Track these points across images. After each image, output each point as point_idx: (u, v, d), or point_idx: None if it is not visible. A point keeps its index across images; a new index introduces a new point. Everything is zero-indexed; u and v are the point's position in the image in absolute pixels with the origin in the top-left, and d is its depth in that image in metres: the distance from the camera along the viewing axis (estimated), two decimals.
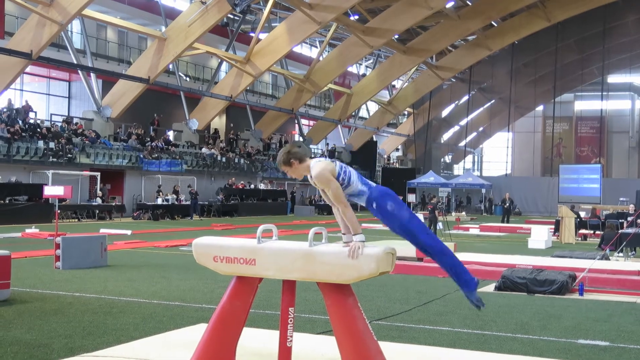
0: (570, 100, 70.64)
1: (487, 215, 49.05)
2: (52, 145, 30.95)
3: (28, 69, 33.09)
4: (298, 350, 5.69)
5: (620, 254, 16.62)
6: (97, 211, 31.36)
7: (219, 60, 43.30)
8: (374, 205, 5.23)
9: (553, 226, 25.47)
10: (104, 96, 36.44)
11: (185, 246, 17.86)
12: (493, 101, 68.05)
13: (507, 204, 37.50)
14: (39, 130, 31.67)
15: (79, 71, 35.41)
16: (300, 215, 40.47)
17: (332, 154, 56.39)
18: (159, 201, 34.02)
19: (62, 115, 36.69)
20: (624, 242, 15.73)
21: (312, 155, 5.42)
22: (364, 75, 58.69)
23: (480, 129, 72.82)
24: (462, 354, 6.56)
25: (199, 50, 39.13)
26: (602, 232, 21.54)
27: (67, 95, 39.62)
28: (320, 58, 47.69)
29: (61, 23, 29.79)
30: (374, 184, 5.32)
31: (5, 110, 31.72)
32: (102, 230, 21.18)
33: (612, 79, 67.67)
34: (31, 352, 6.39)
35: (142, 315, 8.43)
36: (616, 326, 8.53)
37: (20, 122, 31.48)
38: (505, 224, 33.16)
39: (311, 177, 5.29)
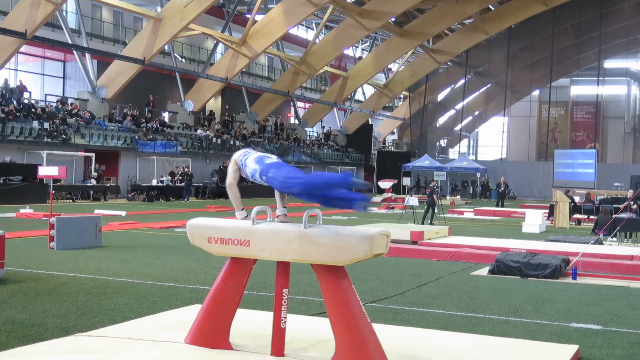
0: (566, 85, 70.62)
1: (481, 199, 49.09)
2: (46, 125, 30.84)
3: (22, 49, 32.93)
4: (292, 332, 5.70)
5: (614, 239, 16.67)
6: (92, 192, 31.31)
7: (215, 41, 43.10)
8: (264, 178, 5.62)
9: (547, 210, 25.53)
10: (99, 77, 36.27)
11: (179, 227, 17.86)
12: (489, 85, 68.00)
13: (502, 188, 37.53)
14: (33, 110, 31.54)
15: (74, 51, 35.21)
16: (295, 198, 40.40)
17: (327, 136, 56.40)
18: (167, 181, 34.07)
19: (56, 96, 36.53)
20: (618, 227, 15.78)
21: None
22: (360, 58, 58.52)
23: (476, 113, 72.79)
24: (455, 336, 6.58)
25: (195, 32, 38.93)
26: (596, 217, 21.59)
27: (62, 76, 39.44)
28: (317, 40, 47.51)
29: (56, 2, 29.60)
30: (269, 162, 5.66)
31: None
32: (97, 211, 21.16)
33: (609, 64, 67.61)
34: (25, 332, 6.40)
35: (136, 296, 8.44)
36: (609, 310, 8.57)
37: (14, 102, 31.35)
38: (499, 208, 33.22)
39: None
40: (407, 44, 49.89)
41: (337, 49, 46.86)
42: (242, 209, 5.72)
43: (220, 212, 25.27)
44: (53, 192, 21.17)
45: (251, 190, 39.56)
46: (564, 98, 70.34)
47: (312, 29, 53.98)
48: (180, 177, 35.61)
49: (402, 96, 65.09)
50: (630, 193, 24.07)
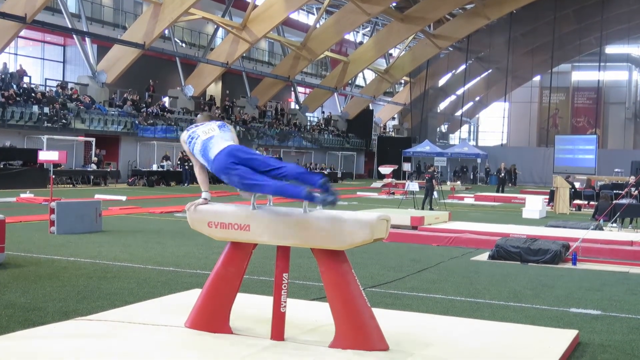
0: (567, 71, 70.43)
1: (483, 184, 49.10)
2: (46, 110, 30.80)
3: (22, 33, 32.81)
4: (292, 316, 5.71)
5: (614, 225, 16.67)
6: (92, 177, 31.32)
7: (215, 26, 42.96)
8: (222, 176, 5.55)
9: (548, 196, 25.53)
10: (99, 61, 36.18)
11: (180, 212, 17.87)
12: (490, 71, 67.81)
13: (503, 174, 37.51)
14: (33, 95, 31.49)
15: (74, 36, 35.11)
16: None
17: (327, 121, 56.35)
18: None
19: (56, 80, 36.46)
20: (618, 213, 15.78)
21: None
22: (360, 43, 58.33)
23: (477, 98, 72.64)
24: (455, 321, 6.59)
25: (195, 16, 38.79)
26: (596, 203, 21.59)
27: (62, 60, 39.32)
28: (317, 25, 47.35)
29: None
30: (213, 156, 5.53)
31: None
32: (97, 196, 21.17)
33: (610, 49, 67.38)
34: (26, 316, 6.42)
35: (136, 280, 8.46)
36: (608, 295, 8.59)
37: (14, 86, 31.29)
38: (500, 194, 33.24)
39: None
40: (408, 29, 49.71)
41: (337, 34, 46.69)
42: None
43: (221, 197, 25.25)
44: (53, 176, 21.17)
45: None
46: (565, 84, 70.16)
47: (313, 14, 53.76)
48: (179, 162, 35.59)
49: (402, 81, 64.97)
50: (632, 180, 24.07)
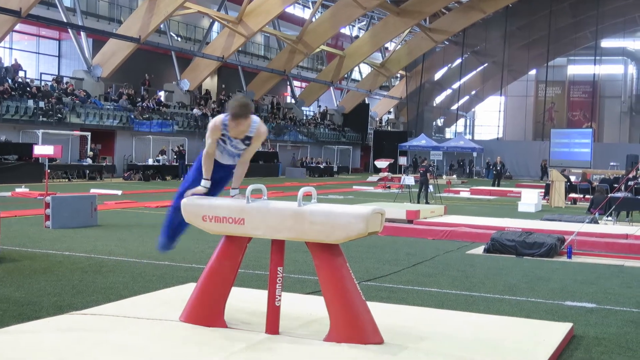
0: (563, 65, 70.52)
1: (480, 178, 49.12)
2: (42, 104, 30.73)
3: (17, 27, 32.71)
4: (287, 310, 5.71)
5: (609, 218, 16.69)
6: (88, 171, 31.27)
7: (211, 20, 42.89)
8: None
9: (543, 190, 25.55)
10: (95, 55, 36.09)
11: None
12: (486, 64, 67.86)
13: (499, 168, 37.54)
14: (28, 89, 31.42)
15: (69, 30, 35.02)
16: (291, 177, 40.47)
17: (323, 115, 56.31)
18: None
19: (52, 75, 36.37)
20: (613, 206, 15.80)
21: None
22: (356, 37, 58.29)
23: (473, 92, 72.69)
24: (450, 314, 6.60)
25: (191, 10, 38.71)
26: (591, 196, 21.61)
27: (57, 54, 39.23)
28: (313, 19, 47.29)
29: None
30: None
31: None
32: (93, 190, 21.12)
33: (606, 43, 67.46)
34: (20, 310, 6.40)
35: (131, 275, 8.45)
36: (603, 288, 8.60)
37: (9, 80, 31.21)
38: (495, 188, 33.27)
39: (251, 132, 5.98)
40: (404, 23, 49.69)
41: (333, 27, 46.67)
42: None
43: None
44: (49, 171, 21.12)
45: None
46: (560, 77, 70.25)
47: (309, 8, 53.70)
48: (175, 156, 35.55)
49: (398, 75, 64.97)
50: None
